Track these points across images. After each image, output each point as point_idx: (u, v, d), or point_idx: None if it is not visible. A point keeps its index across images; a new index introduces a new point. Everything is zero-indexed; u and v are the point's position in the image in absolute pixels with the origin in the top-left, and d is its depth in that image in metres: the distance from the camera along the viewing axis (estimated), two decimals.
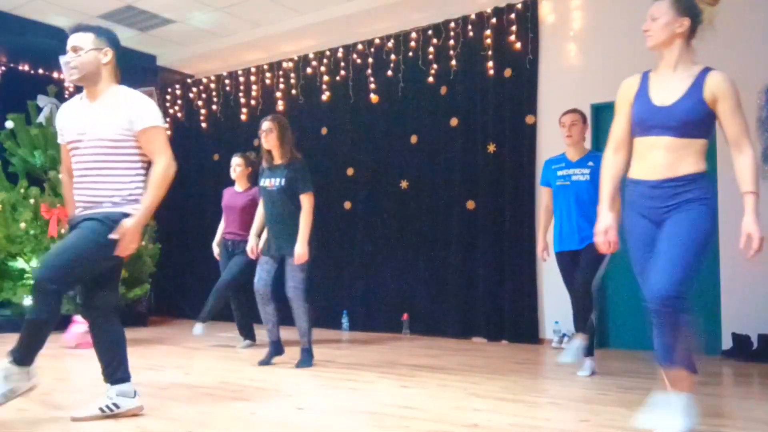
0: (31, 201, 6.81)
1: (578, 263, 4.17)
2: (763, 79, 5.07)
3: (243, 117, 8.27)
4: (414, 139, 6.85)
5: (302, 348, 4.42)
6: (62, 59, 2.83)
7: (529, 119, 6.18)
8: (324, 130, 7.49)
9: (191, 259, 8.59)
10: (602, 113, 5.87)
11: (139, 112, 2.81)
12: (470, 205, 6.43)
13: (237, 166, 5.56)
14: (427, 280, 6.63)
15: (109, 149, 2.79)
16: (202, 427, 2.68)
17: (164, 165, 2.81)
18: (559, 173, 4.27)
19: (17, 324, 6.56)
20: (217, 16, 7.30)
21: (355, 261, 7.15)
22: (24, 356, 2.72)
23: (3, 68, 7.64)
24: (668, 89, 2.52)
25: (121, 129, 2.80)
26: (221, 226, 5.69)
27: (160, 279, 7.97)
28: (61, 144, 2.97)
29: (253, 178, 5.39)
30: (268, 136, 4.40)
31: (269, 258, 4.44)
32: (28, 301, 6.64)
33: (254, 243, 4.68)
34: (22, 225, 6.66)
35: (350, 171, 7.25)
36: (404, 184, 6.83)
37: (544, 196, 4.47)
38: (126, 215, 2.77)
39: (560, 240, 4.25)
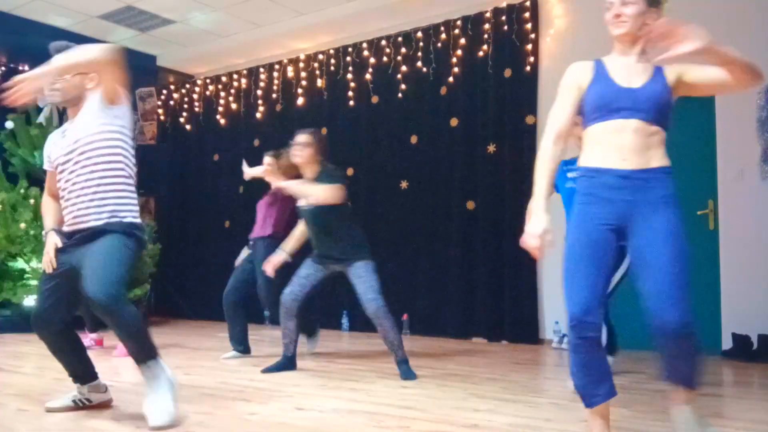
0: (31, 201, 6.81)
1: None
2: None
3: (243, 117, 8.27)
4: (414, 139, 6.85)
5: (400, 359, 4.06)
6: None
7: (529, 119, 6.18)
8: (324, 131, 7.48)
9: (191, 259, 8.59)
10: None
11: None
12: (470, 205, 6.43)
13: (268, 166, 5.24)
14: (427, 280, 6.63)
15: (90, 155, 2.81)
16: (202, 427, 2.68)
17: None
18: (571, 175, 4.08)
19: (17, 324, 6.59)
20: (217, 16, 7.30)
21: None
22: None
23: (3, 68, 7.64)
24: (631, 73, 2.34)
25: (94, 125, 2.82)
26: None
27: (160, 279, 7.97)
28: (49, 170, 3.01)
29: (289, 178, 5.25)
30: (303, 151, 4.16)
31: (316, 269, 4.15)
32: (28, 301, 6.63)
33: (280, 258, 4.41)
34: (22, 225, 6.65)
35: (350, 171, 7.25)
36: (404, 184, 6.83)
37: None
38: (134, 224, 2.83)
39: None
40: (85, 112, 2.87)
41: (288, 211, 5.05)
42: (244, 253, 5.27)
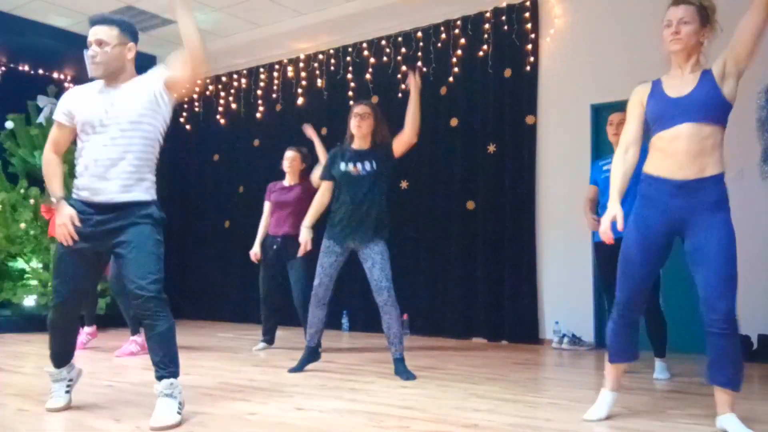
0: (31, 201, 6.81)
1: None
2: (763, 79, 5.07)
3: (243, 117, 8.27)
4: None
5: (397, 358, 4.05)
6: (87, 53, 2.83)
7: (529, 119, 6.18)
8: (324, 130, 7.49)
9: (191, 259, 8.59)
10: (602, 113, 5.87)
11: (156, 70, 2.92)
12: (470, 205, 6.43)
13: (293, 160, 5.29)
14: (427, 280, 6.63)
15: (134, 128, 2.79)
16: (202, 427, 2.68)
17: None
18: (605, 168, 4.24)
19: (17, 324, 6.58)
20: (217, 16, 7.31)
21: (355, 261, 7.13)
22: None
23: (3, 68, 7.64)
24: (681, 85, 2.63)
25: (147, 101, 2.83)
26: (263, 225, 5.37)
27: None
28: (64, 124, 2.87)
29: (305, 174, 5.28)
30: (362, 122, 4.08)
31: (336, 253, 4.15)
32: (28, 301, 6.63)
33: (309, 237, 4.33)
34: (22, 225, 6.66)
35: None
36: (404, 184, 6.83)
37: (588, 191, 4.49)
38: (155, 202, 2.84)
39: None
40: (136, 89, 2.84)
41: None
42: (257, 247, 5.33)
